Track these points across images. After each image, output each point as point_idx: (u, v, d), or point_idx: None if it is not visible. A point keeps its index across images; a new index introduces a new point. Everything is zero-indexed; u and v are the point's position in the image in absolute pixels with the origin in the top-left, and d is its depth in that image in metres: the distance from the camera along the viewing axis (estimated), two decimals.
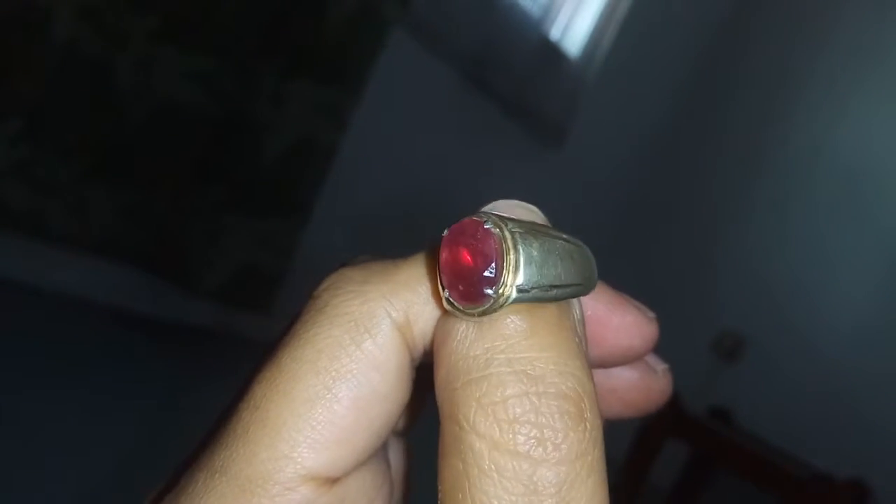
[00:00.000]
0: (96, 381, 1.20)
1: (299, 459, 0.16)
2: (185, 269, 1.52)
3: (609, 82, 2.31)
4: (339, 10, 1.53)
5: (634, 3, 2.28)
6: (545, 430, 0.14)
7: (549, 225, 0.17)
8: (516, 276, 0.15)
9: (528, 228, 0.16)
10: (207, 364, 1.51)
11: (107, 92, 1.37)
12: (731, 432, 1.71)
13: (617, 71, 2.31)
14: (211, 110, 1.47)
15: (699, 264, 2.48)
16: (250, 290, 1.60)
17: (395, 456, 0.21)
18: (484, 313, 0.15)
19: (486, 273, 0.15)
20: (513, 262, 0.15)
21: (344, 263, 0.19)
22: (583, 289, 0.17)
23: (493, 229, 0.15)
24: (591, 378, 0.16)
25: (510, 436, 0.14)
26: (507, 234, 0.15)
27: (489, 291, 0.15)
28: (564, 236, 0.17)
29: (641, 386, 0.21)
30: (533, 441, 0.14)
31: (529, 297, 0.15)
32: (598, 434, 0.15)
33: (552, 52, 2.20)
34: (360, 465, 0.17)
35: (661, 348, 0.21)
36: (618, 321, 0.19)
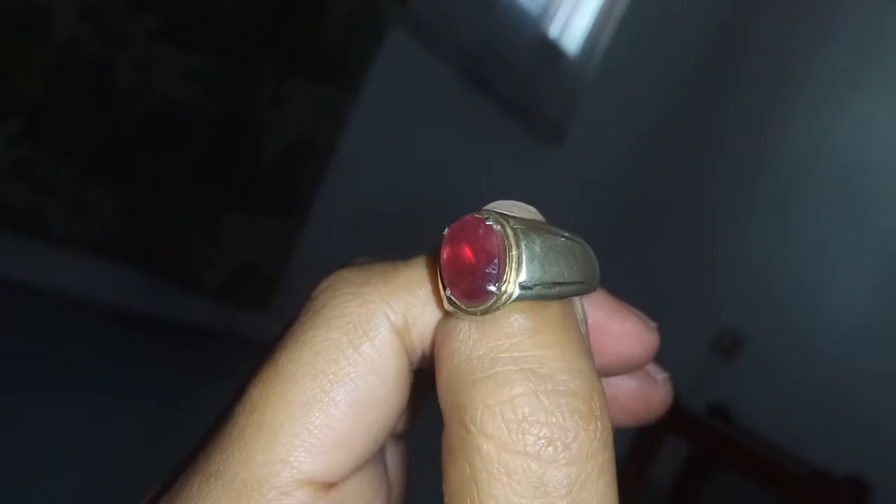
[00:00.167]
0: (96, 381, 1.20)
1: (296, 464, 0.16)
2: (185, 269, 1.52)
3: (608, 81, 2.31)
4: (339, 10, 1.53)
5: (633, 1, 2.28)
6: (555, 430, 0.14)
7: (549, 224, 0.17)
8: (519, 273, 0.15)
9: (530, 225, 0.16)
10: (207, 364, 1.51)
11: (107, 92, 1.37)
12: (731, 430, 1.71)
13: (616, 69, 2.31)
14: (211, 110, 1.47)
15: (698, 263, 2.48)
16: (250, 290, 1.60)
17: (393, 458, 0.20)
18: (486, 312, 0.15)
19: (489, 270, 0.15)
20: (515, 259, 0.15)
21: (342, 265, 0.18)
22: (585, 287, 0.16)
23: (494, 226, 0.15)
24: (599, 377, 0.15)
25: (519, 436, 0.14)
26: (509, 230, 0.15)
27: (492, 288, 0.15)
28: (566, 234, 0.16)
29: (642, 395, 0.21)
30: (543, 441, 0.14)
31: (532, 294, 0.15)
32: (609, 434, 0.15)
33: (551, 50, 2.19)
34: (357, 469, 0.17)
35: (660, 346, 0.20)
36: (618, 329, 0.19)
